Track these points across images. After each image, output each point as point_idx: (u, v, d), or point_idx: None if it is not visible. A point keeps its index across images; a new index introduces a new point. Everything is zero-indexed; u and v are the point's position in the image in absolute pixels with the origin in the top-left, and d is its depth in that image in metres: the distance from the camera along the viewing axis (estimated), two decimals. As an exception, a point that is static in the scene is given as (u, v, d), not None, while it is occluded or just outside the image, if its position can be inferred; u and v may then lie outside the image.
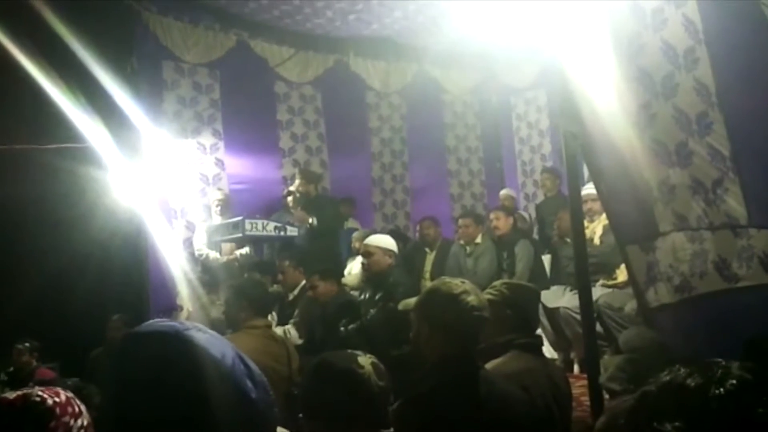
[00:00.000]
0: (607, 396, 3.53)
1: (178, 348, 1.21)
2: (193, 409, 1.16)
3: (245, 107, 8.89)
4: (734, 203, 3.36)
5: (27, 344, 7.63)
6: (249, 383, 1.23)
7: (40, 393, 2.11)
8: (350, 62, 9.66)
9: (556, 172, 8.89)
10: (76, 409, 2.12)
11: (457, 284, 2.78)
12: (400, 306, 5.35)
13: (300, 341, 6.26)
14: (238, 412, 1.18)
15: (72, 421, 2.10)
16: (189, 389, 1.17)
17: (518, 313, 3.38)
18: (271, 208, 8.67)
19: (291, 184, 8.54)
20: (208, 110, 8.64)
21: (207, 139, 8.62)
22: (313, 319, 6.33)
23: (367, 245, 5.99)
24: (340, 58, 9.57)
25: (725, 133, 3.38)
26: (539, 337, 3.62)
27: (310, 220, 7.72)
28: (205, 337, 1.25)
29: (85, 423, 2.03)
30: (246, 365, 1.26)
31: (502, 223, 7.34)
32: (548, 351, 6.25)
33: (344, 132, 9.75)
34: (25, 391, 2.13)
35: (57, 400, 2.10)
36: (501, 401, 2.62)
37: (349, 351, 2.45)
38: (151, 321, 1.32)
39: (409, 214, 10.23)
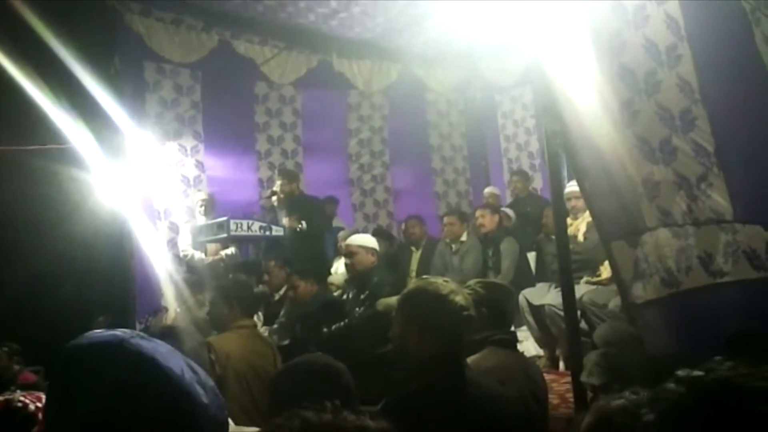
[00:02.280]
0: (590, 392, 3.55)
1: (125, 359, 1.15)
2: (144, 421, 1.12)
3: (225, 109, 8.85)
4: (719, 198, 3.37)
5: (5, 348, 7.52)
6: (199, 389, 1.19)
7: (22, 398, 2.09)
8: (334, 62, 9.60)
9: (524, 174, 9.57)
10: (59, 413, 2.10)
11: (443, 284, 2.76)
12: (380, 306, 5.33)
13: (279, 344, 6.22)
14: (191, 418, 1.15)
15: (55, 426, 2.08)
16: (139, 401, 1.12)
17: (493, 310, 3.50)
18: (248, 211, 8.58)
19: (268, 187, 8.52)
20: (189, 112, 8.60)
21: (188, 141, 8.59)
22: (295, 320, 6.31)
23: (349, 245, 5.97)
24: (324, 58, 9.51)
25: (709, 129, 3.40)
26: (514, 333, 3.75)
27: (300, 226, 7.66)
28: (151, 345, 1.20)
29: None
30: (194, 371, 1.22)
31: (487, 220, 7.34)
32: (534, 348, 6.27)
33: (321, 134, 9.71)
34: (6, 396, 2.12)
35: (39, 405, 2.09)
36: (487, 399, 2.62)
37: (319, 353, 2.51)
38: (93, 331, 1.25)
39: (391, 214, 10.22)
